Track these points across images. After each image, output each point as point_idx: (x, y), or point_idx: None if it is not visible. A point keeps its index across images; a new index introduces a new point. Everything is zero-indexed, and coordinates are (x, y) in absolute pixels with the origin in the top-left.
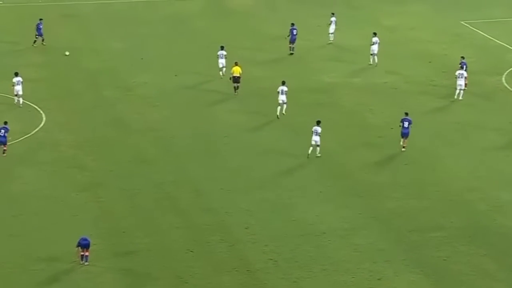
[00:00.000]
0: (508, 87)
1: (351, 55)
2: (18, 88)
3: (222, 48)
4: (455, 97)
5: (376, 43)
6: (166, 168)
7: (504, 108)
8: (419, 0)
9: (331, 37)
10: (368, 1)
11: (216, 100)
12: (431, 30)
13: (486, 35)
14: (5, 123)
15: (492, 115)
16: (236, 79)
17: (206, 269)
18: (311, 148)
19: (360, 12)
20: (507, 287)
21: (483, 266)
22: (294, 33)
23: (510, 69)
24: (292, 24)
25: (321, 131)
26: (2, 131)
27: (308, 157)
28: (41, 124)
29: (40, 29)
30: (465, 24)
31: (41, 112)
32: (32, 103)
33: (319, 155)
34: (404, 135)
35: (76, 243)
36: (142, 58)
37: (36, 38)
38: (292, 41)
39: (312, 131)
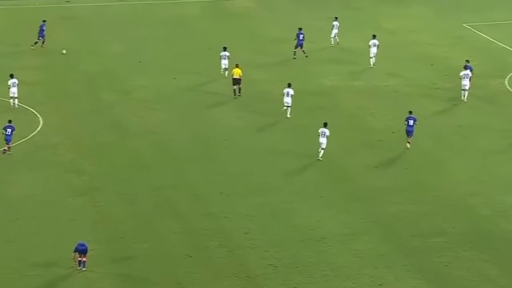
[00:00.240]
0: (511, 90)
1: (352, 58)
2: (14, 90)
3: (225, 49)
4: (462, 98)
5: (374, 45)
6: (165, 172)
7: (507, 111)
8: (421, 2)
9: (332, 41)
10: (369, 3)
11: (215, 103)
12: (433, 32)
13: (488, 38)
14: (10, 121)
15: (495, 118)
16: (236, 81)
17: (205, 274)
18: (321, 150)
19: (361, 15)
20: None
21: (485, 271)
22: (301, 38)
23: None
24: (300, 29)
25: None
26: (9, 130)
27: (319, 159)
28: (38, 128)
29: (43, 30)
30: (467, 26)
31: (38, 115)
32: (29, 107)
33: (321, 158)
34: (409, 133)
35: (73, 249)
36: (140, 62)
37: (38, 39)
38: (298, 45)
39: (319, 133)
